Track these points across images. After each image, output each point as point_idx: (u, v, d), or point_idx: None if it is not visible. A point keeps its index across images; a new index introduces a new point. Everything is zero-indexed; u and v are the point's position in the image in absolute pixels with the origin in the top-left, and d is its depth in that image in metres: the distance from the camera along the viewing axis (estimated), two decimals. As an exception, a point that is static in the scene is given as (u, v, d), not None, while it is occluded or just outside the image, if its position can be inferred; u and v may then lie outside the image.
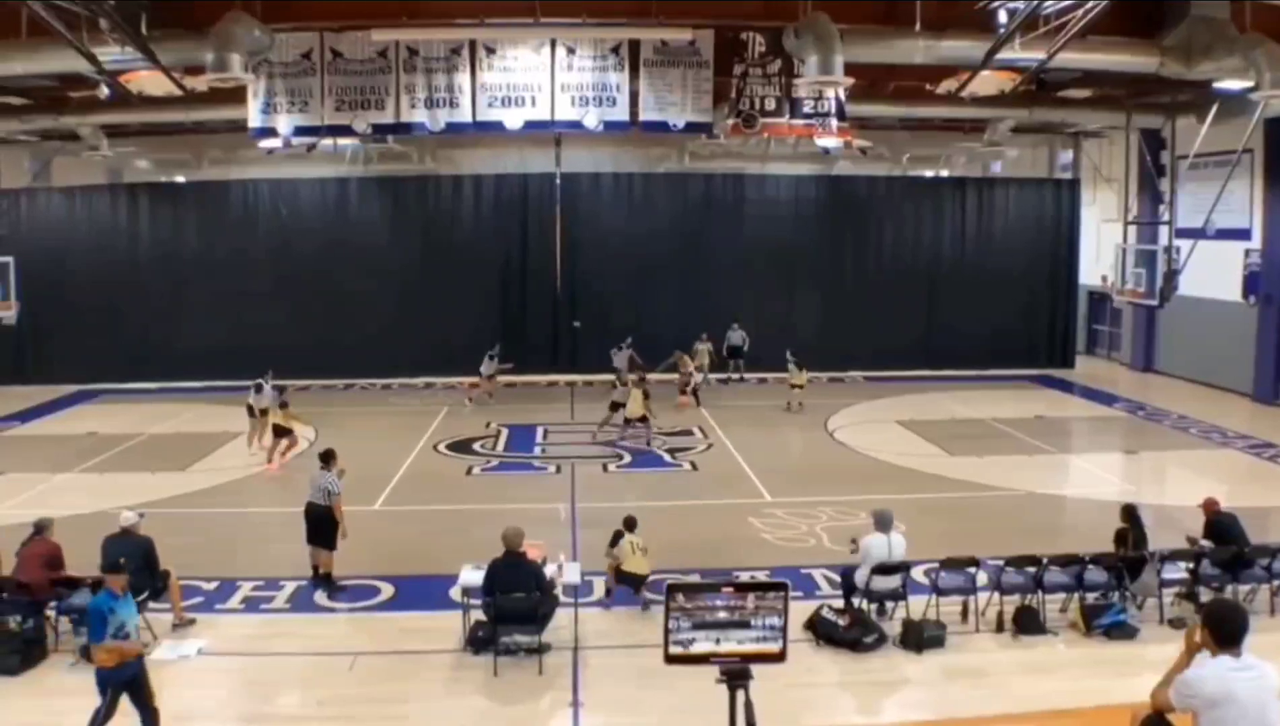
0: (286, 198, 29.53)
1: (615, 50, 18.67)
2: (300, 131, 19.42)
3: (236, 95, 19.21)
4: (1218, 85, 20.29)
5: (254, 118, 18.79)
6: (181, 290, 28.57)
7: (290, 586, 12.96)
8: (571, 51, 18.61)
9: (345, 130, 19.56)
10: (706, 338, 27.65)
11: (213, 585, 12.92)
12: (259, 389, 20.73)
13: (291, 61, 18.43)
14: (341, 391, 28.09)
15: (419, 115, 18.75)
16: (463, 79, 18.56)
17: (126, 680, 8.58)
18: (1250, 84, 17.26)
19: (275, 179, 29.51)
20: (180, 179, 31.09)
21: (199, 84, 19.63)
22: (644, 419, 21.46)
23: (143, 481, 18.48)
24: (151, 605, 11.35)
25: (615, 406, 21.78)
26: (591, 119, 18.88)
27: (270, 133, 19.38)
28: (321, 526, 13.02)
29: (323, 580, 13.00)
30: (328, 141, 25.08)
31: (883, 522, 11.78)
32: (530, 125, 19.14)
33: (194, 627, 11.61)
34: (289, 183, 29.58)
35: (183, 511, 16.42)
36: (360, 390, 28.40)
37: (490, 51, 18.61)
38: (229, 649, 11.12)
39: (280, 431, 19.45)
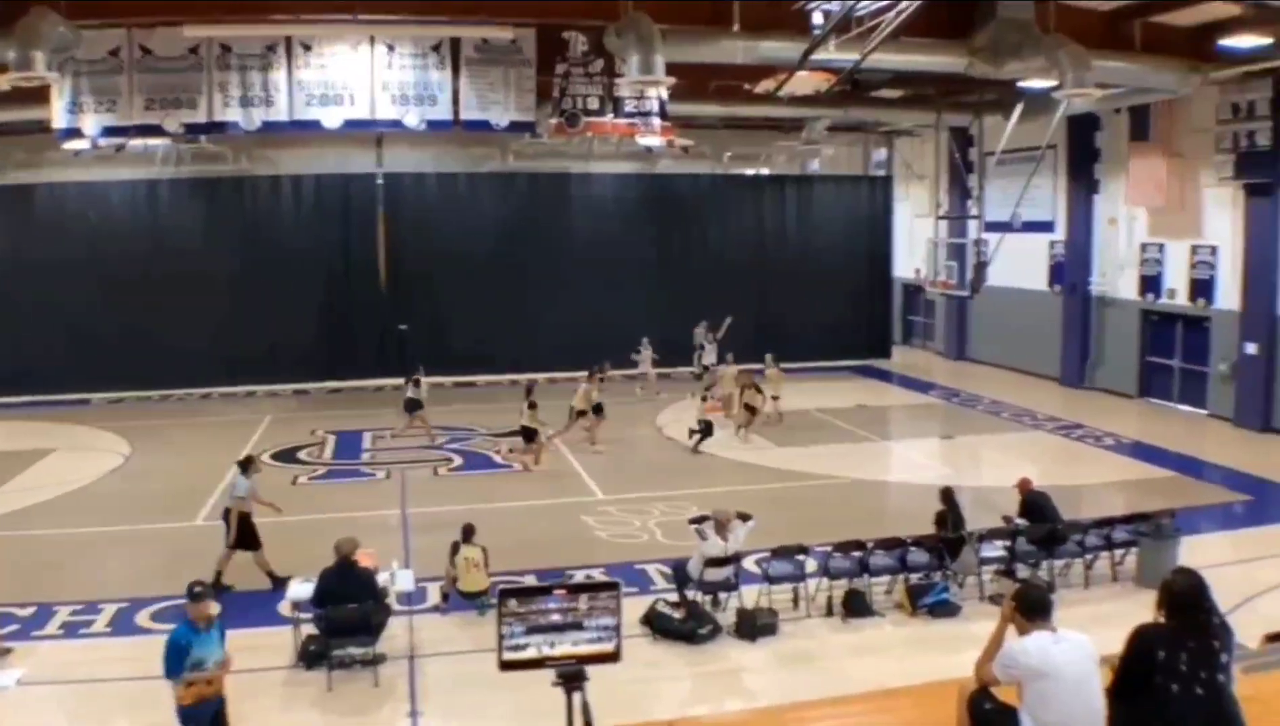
0: (96, 201, 28.08)
1: (436, 48, 18.39)
2: (108, 132, 18.46)
3: (41, 95, 18.14)
4: (1023, 84, 21.30)
5: (59, 118, 17.80)
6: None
7: (111, 609, 12.37)
8: (391, 49, 18.23)
9: (155, 130, 18.70)
10: (730, 358, 25.76)
11: (28, 611, 12.23)
12: (416, 384, 21.67)
13: (98, 59, 17.50)
14: (158, 402, 26.94)
15: (233, 114, 18.06)
16: (278, 76, 17.99)
17: (210, 717, 8.16)
18: (1054, 83, 18.09)
19: (83, 182, 27.95)
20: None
21: (0, 83, 18.52)
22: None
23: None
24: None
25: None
26: (412, 118, 18.55)
27: (76, 134, 18.38)
28: (238, 530, 12.99)
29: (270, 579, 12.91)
30: (138, 142, 24.01)
31: (719, 524, 11.95)
32: (349, 124, 18.67)
33: (10, 656, 10.96)
34: (98, 185, 28.05)
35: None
36: (178, 400, 27.28)
37: (307, 48, 18.08)
38: (49, 677, 10.54)
39: (529, 433, 19.42)
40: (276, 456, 20.58)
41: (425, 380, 22.08)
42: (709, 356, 27.25)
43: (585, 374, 21.76)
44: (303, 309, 28.51)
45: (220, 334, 27.66)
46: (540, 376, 23.88)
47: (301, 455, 20.74)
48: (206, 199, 28.91)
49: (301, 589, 10.81)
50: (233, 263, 28.15)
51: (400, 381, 24.80)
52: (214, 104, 17.95)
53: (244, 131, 18.60)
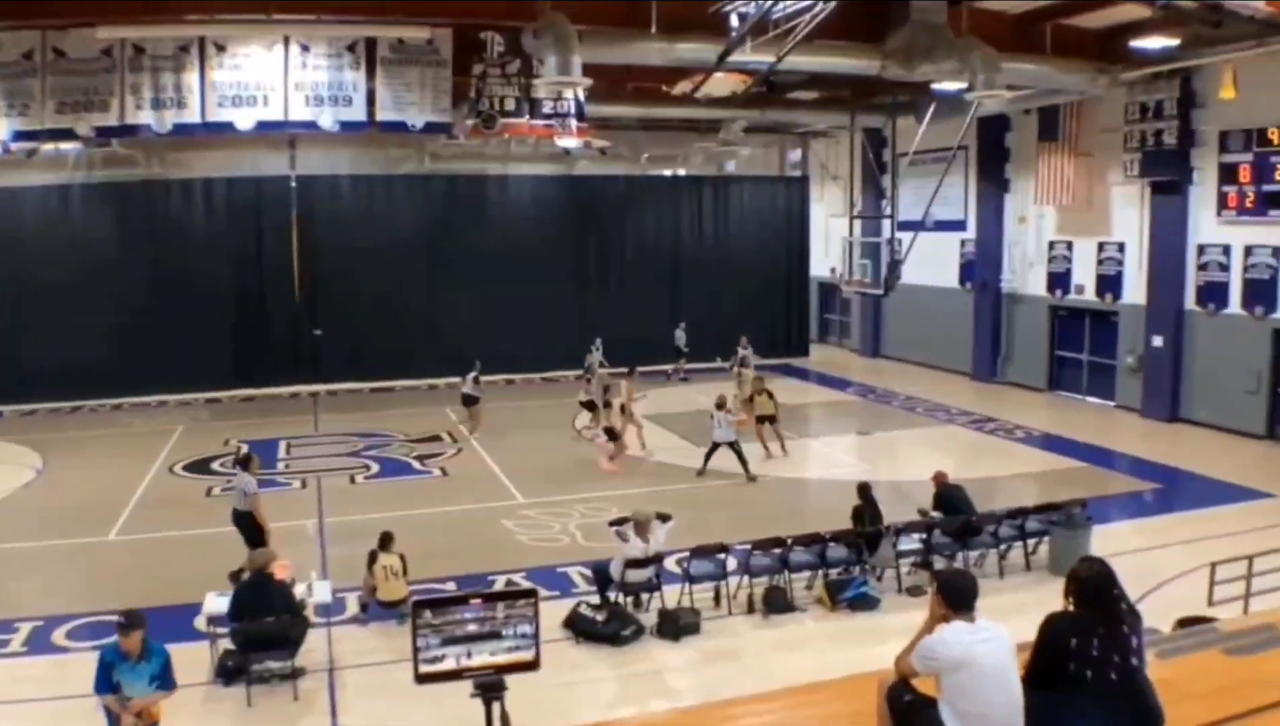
0: (7, 208, 27.19)
1: (351, 48, 18.18)
2: (20, 136, 17.96)
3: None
4: (935, 86, 21.63)
5: None
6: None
7: (26, 628, 11.98)
8: (305, 49, 17.99)
9: (67, 134, 18.20)
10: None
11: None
12: (476, 381, 22.71)
13: (11, 62, 17.04)
14: (69, 414, 26.17)
15: (145, 116, 17.68)
16: (191, 78, 17.64)
17: None
18: (965, 85, 18.41)
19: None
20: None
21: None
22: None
23: None
24: None
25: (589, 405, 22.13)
26: (326, 119, 18.32)
27: None
28: (244, 529, 12.93)
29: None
30: (50, 146, 23.32)
31: (639, 526, 11.98)
32: (263, 125, 18.39)
33: None
34: (9, 191, 27.07)
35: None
36: (90, 412, 26.50)
37: (220, 49, 17.76)
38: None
39: (612, 433, 19.48)
40: (189, 468, 20.14)
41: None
42: (748, 363, 27.05)
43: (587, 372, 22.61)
44: (215, 315, 27.89)
45: (131, 342, 26.88)
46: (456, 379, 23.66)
47: (215, 466, 20.23)
48: (118, 204, 28.05)
49: (217, 603, 10.59)
50: (144, 269, 27.47)
51: (316, 388, 24.53)
52: (126, 106, 17.61)
53: (156, 134, 18.22)
